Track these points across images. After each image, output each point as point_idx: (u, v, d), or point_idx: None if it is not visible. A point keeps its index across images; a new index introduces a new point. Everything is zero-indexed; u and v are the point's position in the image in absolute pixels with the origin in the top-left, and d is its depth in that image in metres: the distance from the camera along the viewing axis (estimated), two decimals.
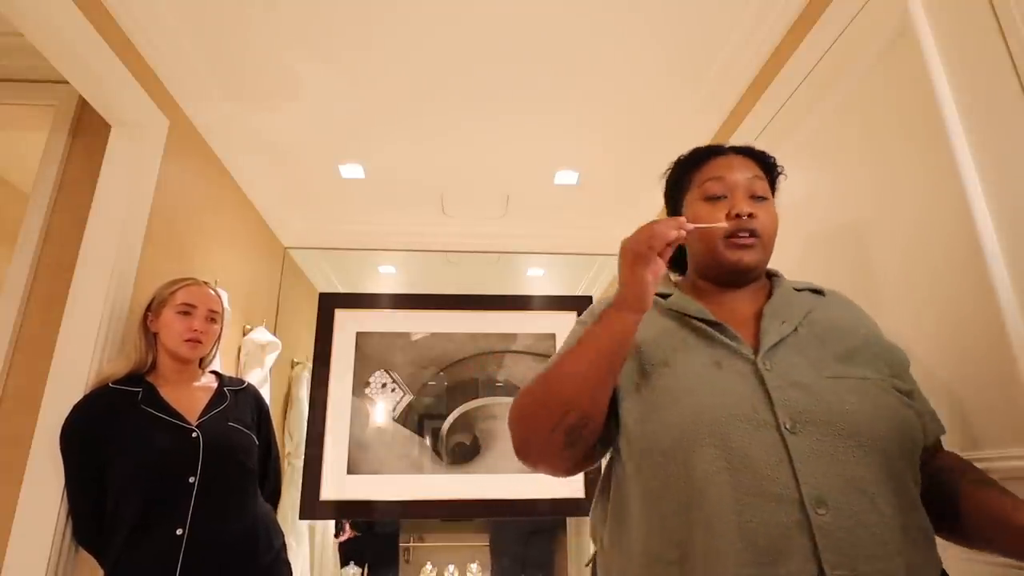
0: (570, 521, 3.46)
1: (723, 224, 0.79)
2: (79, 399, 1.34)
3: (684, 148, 0.92)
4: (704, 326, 0.76)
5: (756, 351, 0.72)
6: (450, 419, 2.32)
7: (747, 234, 0.78)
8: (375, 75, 1.78)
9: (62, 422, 1.31)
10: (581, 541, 3.24)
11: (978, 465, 0.74)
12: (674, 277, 0.95)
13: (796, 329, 0.75)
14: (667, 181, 0.92)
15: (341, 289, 3.25)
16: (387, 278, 3.35)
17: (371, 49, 1.67)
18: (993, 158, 0.92)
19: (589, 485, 2.21)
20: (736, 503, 0.62)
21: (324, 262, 3.10)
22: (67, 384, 1.38)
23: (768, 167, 0.87)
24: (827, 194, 1.36)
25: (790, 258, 1.48)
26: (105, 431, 1.29)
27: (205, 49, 1.66)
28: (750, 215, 0.78)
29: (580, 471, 0.78)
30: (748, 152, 0.86)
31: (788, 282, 0.85)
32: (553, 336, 2.41)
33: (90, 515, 1.28)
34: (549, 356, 0.76)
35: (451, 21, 1.58)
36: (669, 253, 0.72)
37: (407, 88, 1.84)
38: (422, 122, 2.01)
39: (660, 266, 0.71)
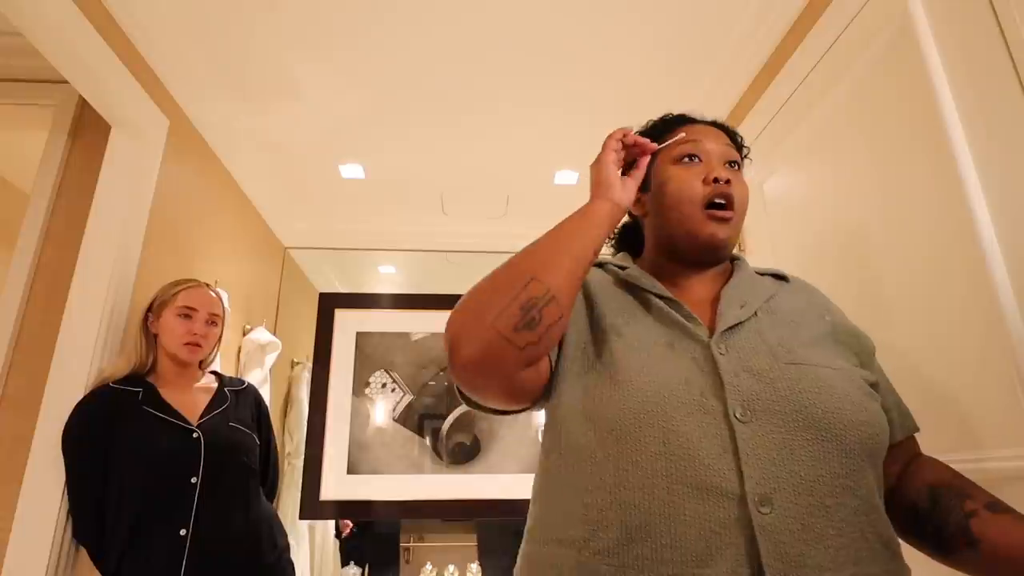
0: None
1: (684, 135, 0.76)
2: (81, 398, 1.34)
3: None
4: (660, 302, 0.71)
5: (712, 334, 0.67)
6: (450, 419, 2.32)
7: (724, 203, 0.73)
8: (375, 75, 1.78)
9: (62, 422, 1.31)
10: None
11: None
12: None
13: (756, 313, 0.70)
14: None
15: (341, 289, 3.24)
16: (387, 278, 3.35)
17: (371, 49, 1.67)
18: (993, 157, 0.92)
19: None
20: (668, 492, 0.56)
21: (324, 262, 3.10)
22: (67, 384, 1.38)
23: (738, 146, 0.83)
24: (827, 194, 1.36)
25: (791, 258, 1.48)
26: (107, 431, 1.29)
27: (205, 49, 1.66)
28: (727, 181, 0.73)
29: (525, 398, 0.67)
30: (719, 125, 0.83)
31: (750, 266, 0.80)
32: None
33: (92, 515, 1.28)
34: None
35: (451, 22, 1.58)
36: (639, 174, 0.76)
37: (407, 88, 1.84)
38: (422, 122, 2.01)
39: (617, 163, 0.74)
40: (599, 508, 0.58)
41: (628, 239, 0.89)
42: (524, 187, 2.45)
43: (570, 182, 2.38)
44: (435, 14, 1.55)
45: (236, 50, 1.67)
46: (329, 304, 2.38)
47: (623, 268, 0.78)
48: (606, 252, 0.80)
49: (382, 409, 2.29)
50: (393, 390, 2.32)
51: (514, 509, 2.23)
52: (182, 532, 1.26)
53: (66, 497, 1.30)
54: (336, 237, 2.80)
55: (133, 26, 1.53)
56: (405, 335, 2.37)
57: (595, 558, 0.56)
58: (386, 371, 2.33)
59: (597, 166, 0.74)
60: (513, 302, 0.59)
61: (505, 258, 0.69)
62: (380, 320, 2.38)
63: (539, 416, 2.31)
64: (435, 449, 2.28)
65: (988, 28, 0.92)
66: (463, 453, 2.27)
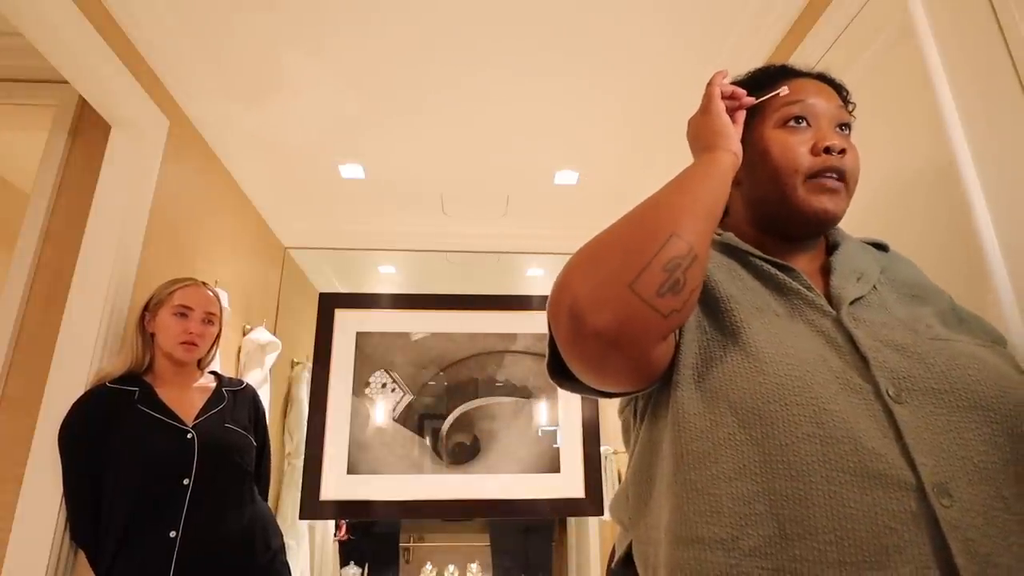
0: (570, 521, 3.47)
1: (787, 90, 0.66)
2: (77, 398, 1.34)
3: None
4: (772, 269, 0.63)
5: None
6: (450, 419, 2.32)
7: (835, 175, 0.63)
8: (375, 75, 1.78)
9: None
10: (581, 540, 3.24)
11: None
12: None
13: (874, 287, 0.62)
14: None
15: (341, 289, 3.25)
16: (387, 278, 3.35)
17: (371, 49, 1.67)
18: (993, 158, 0.92)
19: (589, 485, 2.21)
20: (827, 481, 0.48)
21: (324, 262, 3.10)
22: (67, 384, 1.38)
23: (845, 101, 0.72)
24: None
25: None
26: (102, 431, 1.29)
27: (205, 49, 1.66)
28: (842, 151, 0.63)
29: (652, 376, 0.57)
30: (827, 79, 0.71)
31: (849, 235, 0.72)
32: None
33: (90, 515, 1.28)
34: None
35: (452, 21, 1.58)
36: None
37: (407, 88, 1.84)
38: (422, 122, 2.01)
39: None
40: (745, 499, 0.50)
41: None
42: (524, 187, 2.45)
43: (570, 182, 2.38)
44: (435, 13, 1.55)
45: (236, 50, 1.67)
46: (329, 304, 2.38)
47: (718, 233, 0.69)
48: None
49: (382, 409, 2.29)
50: (393, 390, 2.32)
51: (514, 509, 2.24)
52: (171, 534, 1.26)
53: (64, 496, 1.30)
54: (336, 237, 2.80)
55: (133, 26, 1.53)
56: (405, 335, 2.37)
57: (746, 560, 0.49)
58: (386, 371, 2.33)
59: (707, 116, 0.65)
60: (654, 261, 0.50)
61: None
62: (380, 320, 2.39)
63: (539, 416, 2.32)
64: (435, 449, 2.28)
65: (988, 28, 0.92)
66: (463, 453, 2.27)
